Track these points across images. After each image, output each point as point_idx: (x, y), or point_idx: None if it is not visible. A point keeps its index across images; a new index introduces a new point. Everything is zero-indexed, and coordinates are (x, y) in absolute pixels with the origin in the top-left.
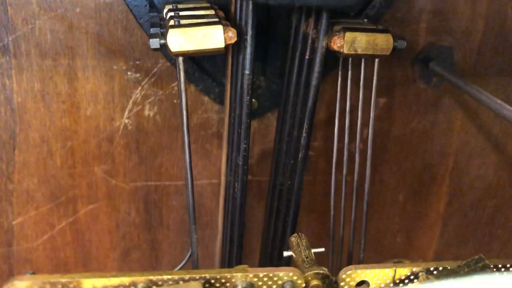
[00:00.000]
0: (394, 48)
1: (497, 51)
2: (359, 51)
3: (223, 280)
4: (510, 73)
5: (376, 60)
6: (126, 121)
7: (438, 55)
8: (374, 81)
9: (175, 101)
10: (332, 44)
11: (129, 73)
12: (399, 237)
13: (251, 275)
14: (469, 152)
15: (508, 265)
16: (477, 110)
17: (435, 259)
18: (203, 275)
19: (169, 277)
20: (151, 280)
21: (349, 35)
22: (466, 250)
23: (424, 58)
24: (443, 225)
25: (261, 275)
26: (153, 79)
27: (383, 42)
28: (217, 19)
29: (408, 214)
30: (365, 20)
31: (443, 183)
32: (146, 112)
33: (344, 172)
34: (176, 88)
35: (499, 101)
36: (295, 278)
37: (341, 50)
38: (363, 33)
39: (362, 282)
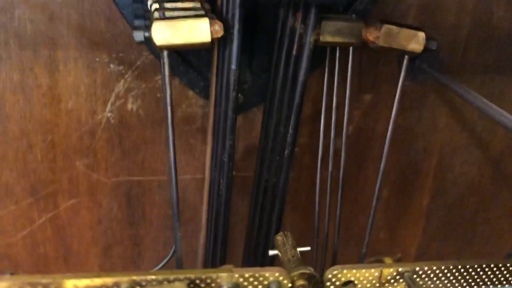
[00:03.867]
0: (425, 49)
1: (483, 48)
2: (394, 46)
3: (208, 281)
4: (496, 69)
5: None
6: (109, 114)
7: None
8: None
9: (158, 94)
10: (368, 35)
11: (111, 65)
12: (382, 233)
13: (236, 275)
14: (453, 149)
15: (484, 266)
16: (462, 108)
17: (418, 255)
18: (188, 275)
19: (153, 277)
20: (134, 281)
21: (386, 27)
22: (448, 246)
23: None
24: (426, 221)
25: (246, 275)
26: (136, 72)
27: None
28: (203, 12)
29: (391, 210)
30: (353, 15)
31: (427, 180)
32: (129, 106)
33: (330, 169)
34: (159, 81)
35: (484, 99)
36: (281, 278)
37: (377, 42)
38: (399, 28)
39: (349, 282)
